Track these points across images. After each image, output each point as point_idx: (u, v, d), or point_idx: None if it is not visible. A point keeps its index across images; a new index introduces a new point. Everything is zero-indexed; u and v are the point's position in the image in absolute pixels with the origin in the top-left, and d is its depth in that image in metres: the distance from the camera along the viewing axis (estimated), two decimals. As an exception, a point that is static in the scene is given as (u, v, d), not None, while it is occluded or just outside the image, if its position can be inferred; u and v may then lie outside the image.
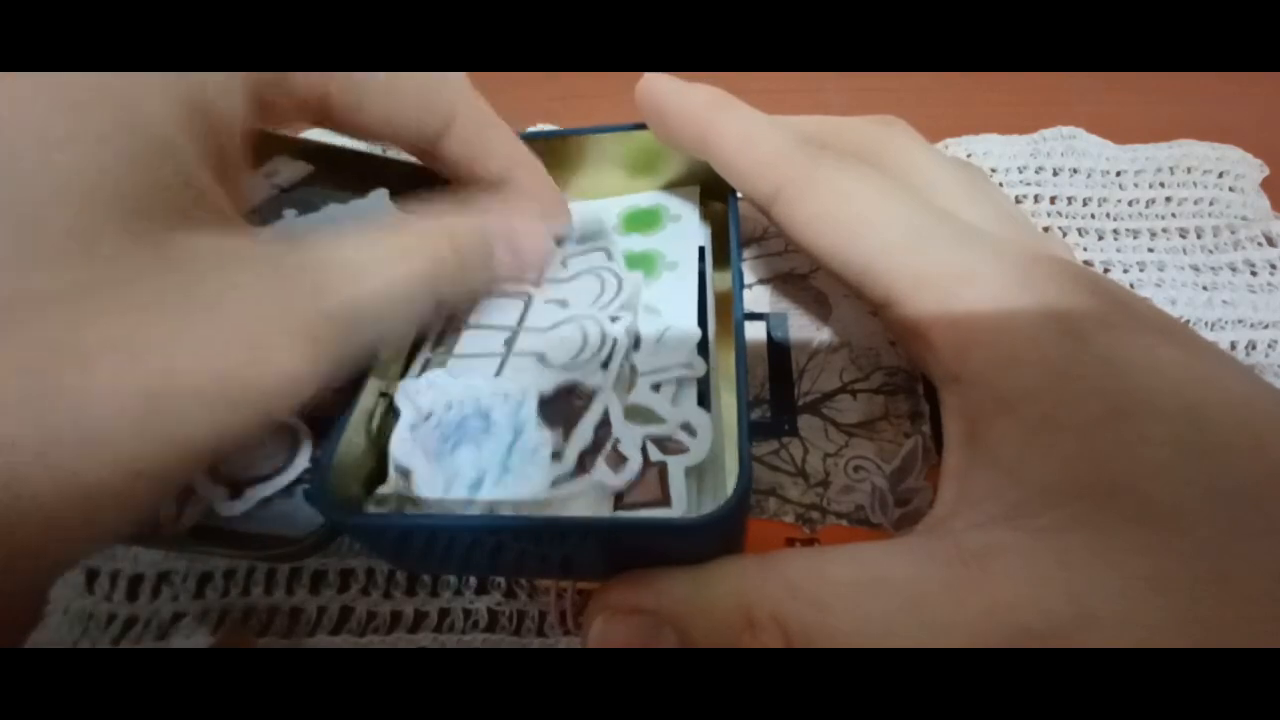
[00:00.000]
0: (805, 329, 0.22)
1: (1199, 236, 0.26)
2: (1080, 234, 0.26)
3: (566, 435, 0.14)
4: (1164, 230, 0.26)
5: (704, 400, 0.15)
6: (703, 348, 0.16)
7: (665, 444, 0.14)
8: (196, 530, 0.14)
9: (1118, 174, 0.28)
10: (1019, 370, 0.12)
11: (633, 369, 0.15)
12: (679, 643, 0.12)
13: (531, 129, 0.30)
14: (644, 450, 0.14)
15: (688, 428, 0.14)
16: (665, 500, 0.13)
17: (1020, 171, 0.28)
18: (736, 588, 0.12)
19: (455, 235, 0.15)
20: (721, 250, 0.19)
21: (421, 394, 0.15)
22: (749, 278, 0.24)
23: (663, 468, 0.13)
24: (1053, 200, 0.27)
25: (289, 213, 0.18)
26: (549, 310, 0.17)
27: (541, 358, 0.15)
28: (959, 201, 0.16)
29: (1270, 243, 0.25)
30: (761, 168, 0.15)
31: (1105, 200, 0.27)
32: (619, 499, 0.13)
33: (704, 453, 0.14)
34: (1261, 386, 0.12)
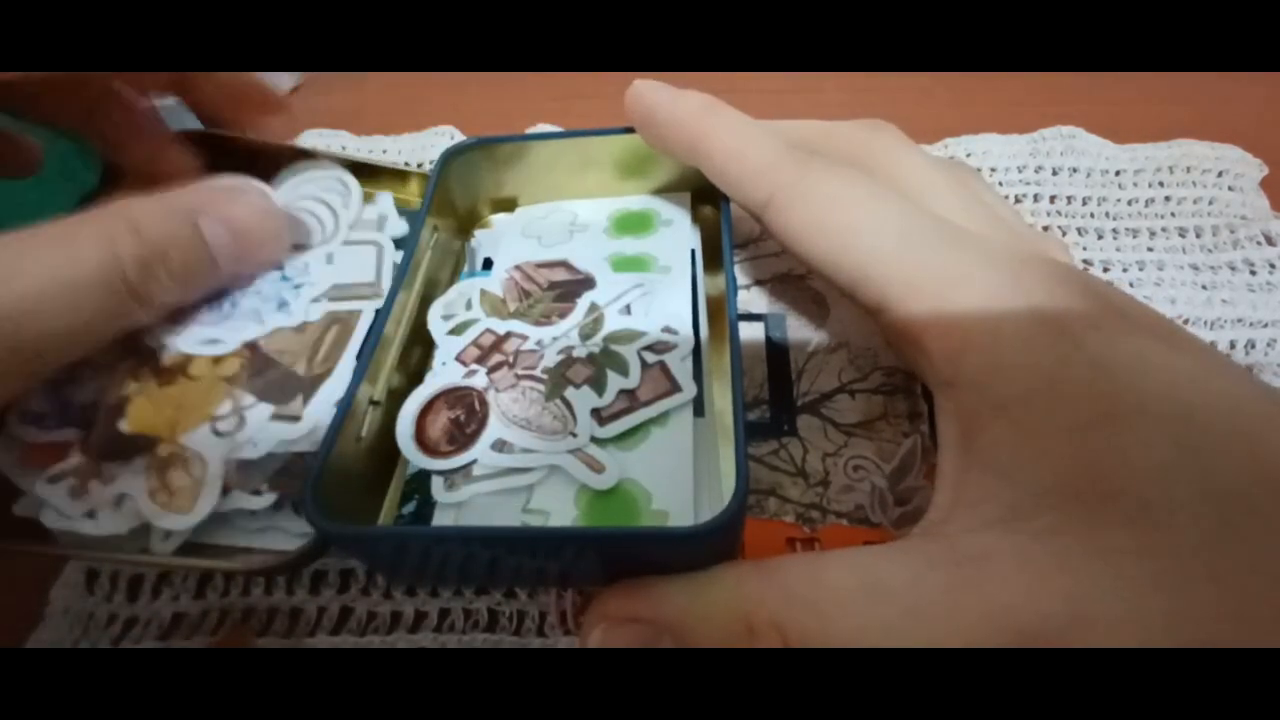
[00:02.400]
0: (803, 329, 0.22)
1: (1198, 236, 0.26)
2: (1080, 233, 0.26)
3: None
4: (1163, 229, 0.26)
5: (699, 409, 0.15)
6: (695, 353, 0.16)
7: (656, 347, 0.16)
8: (186, 548, 0.14)
9: (1117, 173, 0.28)
10: (1012, 374, 0.12)
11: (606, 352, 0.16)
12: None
13: (532, 129, 0.30)
14: (641, 358, 0.15)
15: (669, 330, 0.16)
16: (676, 387, 0.15)
17: (1020, 171, 0.28)
18: (735, 595, 0.12)
19: (138, 219, 0.14)
20: (713, 254, 0.19)
21: None
22: (745, 279, 0.24)
23: (662, 364, 0.15)
24: (1052, 200, 0.27)
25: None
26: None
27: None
28: (949, 204, 0.16)
29: (1269, 242, 0.25)
30: (753, 175, 0.15)
31: (1105, 200, 0.27)
32: (636, 398, 0.15)
33: (691, 341, 0.16)
34: (1252, 386, 0.12)
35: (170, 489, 0.14)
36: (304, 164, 0.20)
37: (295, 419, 0.15)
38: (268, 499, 0.14)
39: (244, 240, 0.16)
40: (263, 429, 0.15)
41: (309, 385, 0.16)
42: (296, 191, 0.20)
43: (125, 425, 0.15)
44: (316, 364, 0.16)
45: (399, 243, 0.19)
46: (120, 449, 0.15)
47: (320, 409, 0.15)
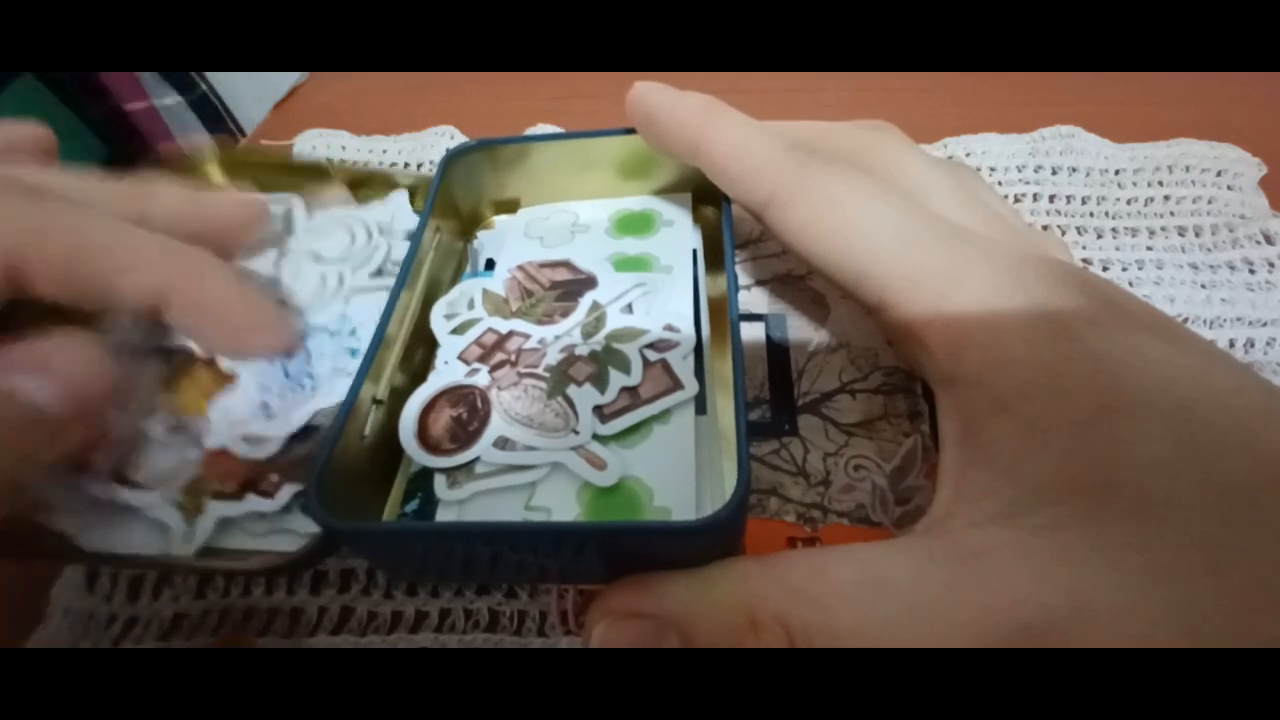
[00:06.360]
0: (804, 329, 0.22)
1: (1197, 235, 0.26)
2: (1079, 232, 0.26)
3: None
4: (1162, 228, 0.26)
5: (701, 407, 0.15)
6: (698, 351, 0.16)
7: (657, 345, 0.16)
8: (203, 551, 0.15)
9: (1116, 172, 0.28)
10: (1012, 370, 0.12)
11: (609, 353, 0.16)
12: (682, 645, 0.12)
13: (531, 129, 0.31)
14: (643, 355, 0.16)
15: (670, 328, 0.16)
16: (678, 384, 0.15)
17: (1019, 170, 0.28)
18: (739, 589, 0.12)
19: None
20: (714, 255, 0.19)
21: None
22: (746, 279, 0.24)
23: (664, 362, 0.16)
24: (1051, 199, 0.27)
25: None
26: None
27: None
28: (949, 203, 0.16)
29: (1268, 241, 0.25)
30: (753, 175, 0.15)
31: (1104, 199, 0.27)
32: (638, 395, 0.15)
33: (693, 339, 0.16)
34: (1251, 380, 0.12)
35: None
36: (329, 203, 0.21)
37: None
38: (280, 501, 0.15)
39: (79, 384, 0.14)
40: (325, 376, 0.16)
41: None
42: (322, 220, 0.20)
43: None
44: None
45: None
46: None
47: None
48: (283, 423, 0.16)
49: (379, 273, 0.19)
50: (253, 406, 0.16)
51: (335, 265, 0.19)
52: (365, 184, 0.21)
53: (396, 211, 0.20)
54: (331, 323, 0.18)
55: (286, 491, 0.15)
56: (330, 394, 0.16)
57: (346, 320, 0.18)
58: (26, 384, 0.13)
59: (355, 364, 0.16)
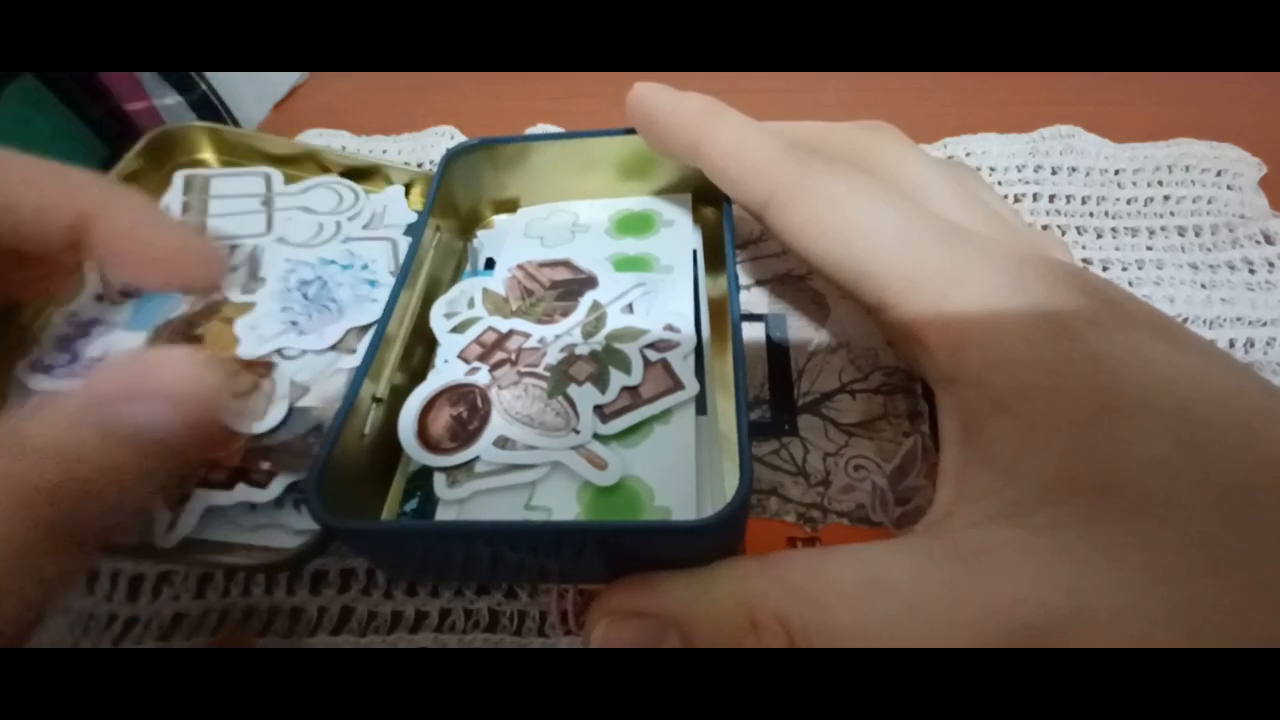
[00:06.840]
0: (804, 329, 0.22)
1: (1197, 235, 0.26)
2: (1079, 232, 0.26)
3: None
4: (1162, 228, 0.26)
5: (701, 406, 0.15)
6: (698, 351, 0.16)
7: (658, 345, 0.16)
8: (189, 543, 0.14)
9: (1116, 172, 0.28)
10: (1012, 370, 0.12)
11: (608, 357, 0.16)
12: (682, 644, 0.12)
13: (531, 129, 0.31)
14: (643, 355, 0.16)
15: (671, 328, 0.16)
16: (679, 384, 0.15)
17: (1019, 170, 0.28)
18: (739, 588, 0.12)
19: (45, 464, 0.10)
20: (714, 255, 0.19)
21: None
22: (746, 279, 0.24)
23: (664, 361, 0.16)
24: (1051, 199, 0.27)
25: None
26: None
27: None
28: (949, 204, 0.16)
29: (1268, 240, 0.25)
30: (753, 175, 0.15)
31: (1104, 199, 0.27)
32: (639, 395, 0.15)
33: (693, 339, 0.16)
34: (1250, 380, 0.12)
35: (245, 398, 0.16)
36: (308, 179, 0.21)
37: (351, 351, 0.17)
38: (273, 492, 0.15)
39: (201, 406, 0.12)
40: (323, 356, 0.17)
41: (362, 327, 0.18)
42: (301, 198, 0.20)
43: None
44: None
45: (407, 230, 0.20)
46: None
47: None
48: (317, 338, 0.17)
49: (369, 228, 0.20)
50: (281, 324, 0.17)
51: (328, 216, 0.20)
52: (360, 176, 0.21)
53: (390, 203, 0.20)
54: (340, 257, 0.19)
55: (279, 483, 0.15)
56: (359, 315, 0.17)
57: (355, 257, 0.19)
58: (144, 412, 0.11)
59: (376, 291, 0.18)
